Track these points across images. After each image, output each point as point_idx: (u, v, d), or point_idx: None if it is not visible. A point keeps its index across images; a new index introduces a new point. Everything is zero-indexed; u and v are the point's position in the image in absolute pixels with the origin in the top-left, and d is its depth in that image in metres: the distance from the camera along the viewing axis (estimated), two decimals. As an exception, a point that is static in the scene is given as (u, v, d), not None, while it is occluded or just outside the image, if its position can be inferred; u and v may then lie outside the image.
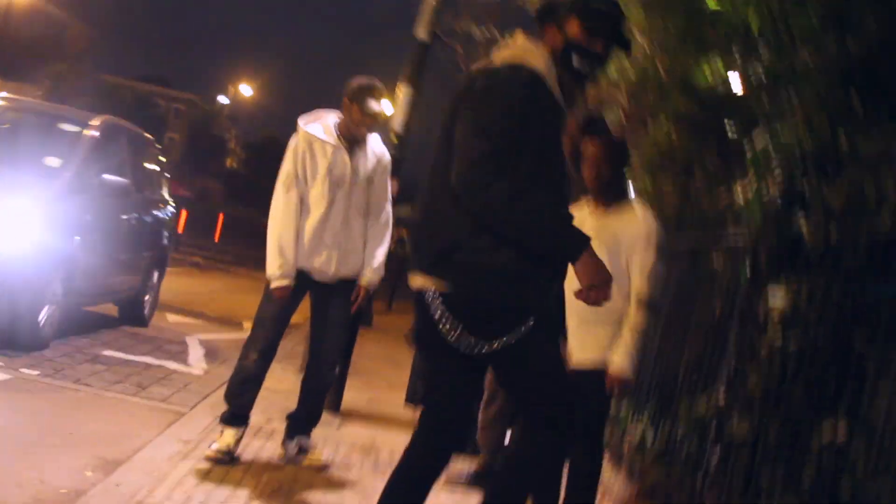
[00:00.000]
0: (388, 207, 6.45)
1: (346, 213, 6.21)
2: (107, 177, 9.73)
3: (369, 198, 6.31)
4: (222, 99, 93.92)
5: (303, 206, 6.16)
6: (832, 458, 4.37)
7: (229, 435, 6.09)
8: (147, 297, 12.13)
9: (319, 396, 6.54)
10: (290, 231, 6.10)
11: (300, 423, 6.42)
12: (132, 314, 11.92)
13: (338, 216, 6.18)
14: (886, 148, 4.74)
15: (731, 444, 5.43)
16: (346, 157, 6.18)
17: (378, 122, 6.18)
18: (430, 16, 9.22)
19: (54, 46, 71.03)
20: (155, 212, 12.12)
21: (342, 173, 6.16)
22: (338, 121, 6.22)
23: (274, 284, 6.11)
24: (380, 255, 6.39)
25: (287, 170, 6.17)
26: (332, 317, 6.39)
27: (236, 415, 6.20)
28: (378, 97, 6.13)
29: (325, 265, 6.21)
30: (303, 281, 6.22)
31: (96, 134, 10.17)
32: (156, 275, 12.48)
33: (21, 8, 46.29)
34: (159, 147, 12.26)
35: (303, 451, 6.37)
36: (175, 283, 19.72)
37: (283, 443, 6.43)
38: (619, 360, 5.09)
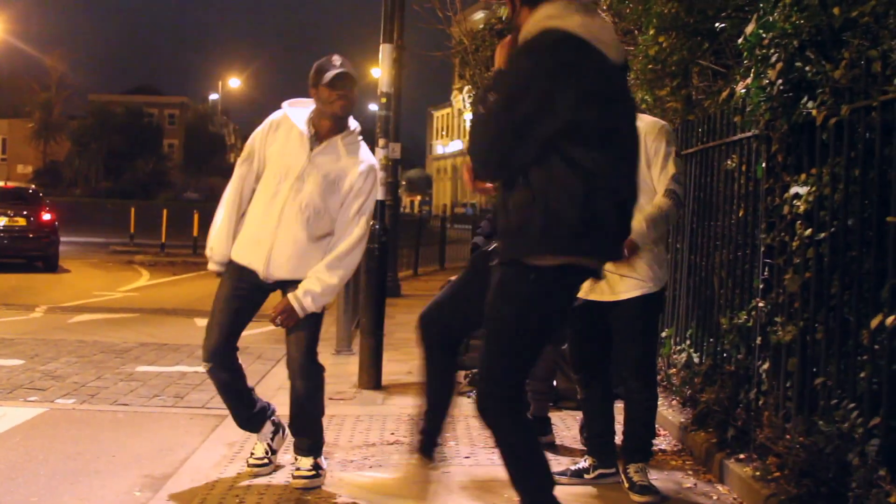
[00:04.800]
0: (355, 233, 5.41)
1: (289, 209, 5.35)
2: None
3: (328, 204, 5.39)
4: (213, 96, 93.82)
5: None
6: (887, 344, 4.18)
7: (260, 448, 5.77)
8: None
9: (303, 414, 5.57)
10: (226, 212, 5.52)
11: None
12: None
13: (277, 208, 5.37)
14: (886, 10, 4.54)
15: (779, 351, 5.27)
16: (308, 146, 5.41)
17: (349, 94, 5.35)
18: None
19: (35, 77, 71.20)
20: None
21: (295, 162, 5.39)
22: (312, 114, 5.55)
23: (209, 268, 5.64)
24: (322, 279, 5.34)
25: (247, 144, 5.61)
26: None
27: (250, 422, 5.76)
28: (339, 64, 5.38)
29: (255, 262, 5.41)
30: (257, 282, 5.48)
31: None
32: None
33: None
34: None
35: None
36: (198, 286, 19.75)
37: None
38: (637, 224, 5.00)
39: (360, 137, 5.57)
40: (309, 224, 5.36)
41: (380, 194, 7.35)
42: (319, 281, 5.34)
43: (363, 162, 5.47)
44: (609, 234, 3.87)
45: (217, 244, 5.53)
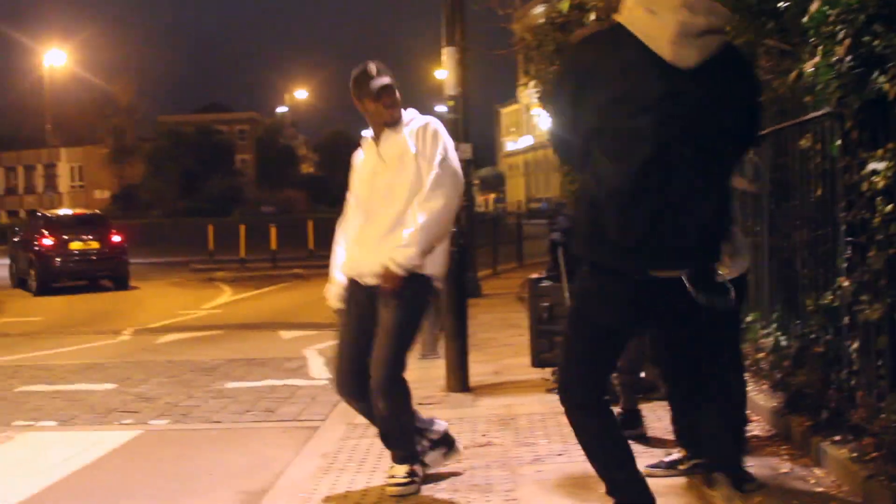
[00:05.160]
0: (432, 178, 5.38)
1: (373, 202, 5.52)
2: None
3: (403, 179, 5.43)
4: (281, 109, 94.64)
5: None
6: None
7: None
8: None
9: (391, 431, 5.58)
10: (336, 245, 5.76)
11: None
12: None
13: (364, 207, 5.58)
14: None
15: (868, 329, 5.19)
16: (375, 147, 5.57)
17: (395, 100, 5.51)
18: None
19: (105, 104, 72.44)
20: None
21: (370, 164, 5.59)
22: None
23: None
24: (413, 232, 5.31)
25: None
26: (380, 321, 5.48)
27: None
28: (377, 73, 5.52)
29: (352, 263, 5.56)
30: (367, 292, 5.51)
31: None
32: None
33: (60, 77, 47.47)
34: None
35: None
36: (280, 299, 19.96)
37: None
38: None
39: (415, 115, 5.63)
40: (393, 202, 5.44)
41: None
42: (405, 235, 5.34)
43: (417, 126, 5.52)
44: (615, 244, 3.70)
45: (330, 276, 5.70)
